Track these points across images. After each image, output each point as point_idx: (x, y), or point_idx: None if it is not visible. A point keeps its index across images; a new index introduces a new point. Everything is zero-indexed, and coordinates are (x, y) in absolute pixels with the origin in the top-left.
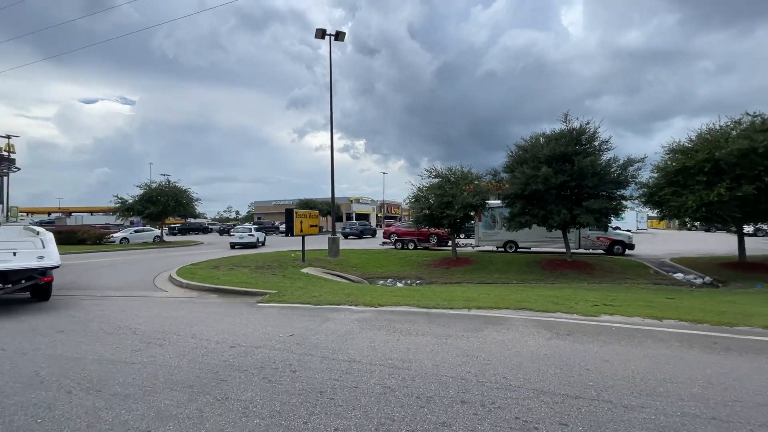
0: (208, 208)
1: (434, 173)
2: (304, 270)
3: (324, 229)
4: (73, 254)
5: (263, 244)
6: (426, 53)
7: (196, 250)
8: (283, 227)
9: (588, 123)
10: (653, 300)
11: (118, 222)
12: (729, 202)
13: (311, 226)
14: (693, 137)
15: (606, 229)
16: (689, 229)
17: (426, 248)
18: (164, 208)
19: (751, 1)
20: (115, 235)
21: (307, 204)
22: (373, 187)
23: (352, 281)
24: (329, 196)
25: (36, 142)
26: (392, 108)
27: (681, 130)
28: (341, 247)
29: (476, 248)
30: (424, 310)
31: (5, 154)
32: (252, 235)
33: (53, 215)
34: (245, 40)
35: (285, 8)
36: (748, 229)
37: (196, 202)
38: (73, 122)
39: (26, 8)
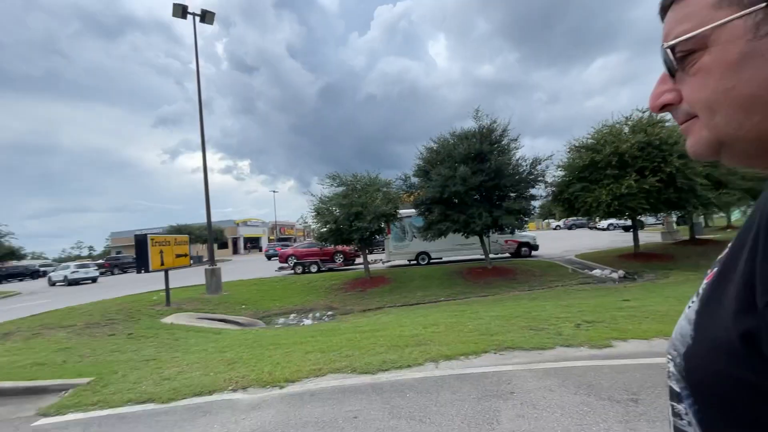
0: (50, 246)
1: (338, 180)
2: (167, 320)
3: (204, 259)
4: None
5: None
6: (308, 73)
7: (3, 306)
8: None
9: (495, 121)
10: (622, 307)
11: None
12: (637, 194)
13: (179, 255)
14: (590, 135)
15: (514, 232)
16: (554, 229)
17: (331, 269)
18: None
19: (567, 46)
20: None
21: (179, 230)
22: (263, 209)
23: (242, 326)
24: (180, 234)
25: None
26: (277, 127)
27: (528, 148)
28: (224, 279)
29: (387, 264)
30: (369, 379)
31: None
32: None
33: None
34: (95, 48)
35: (145, 17)
36: (604, 224)
37: (4, 239)
38: None
39: None
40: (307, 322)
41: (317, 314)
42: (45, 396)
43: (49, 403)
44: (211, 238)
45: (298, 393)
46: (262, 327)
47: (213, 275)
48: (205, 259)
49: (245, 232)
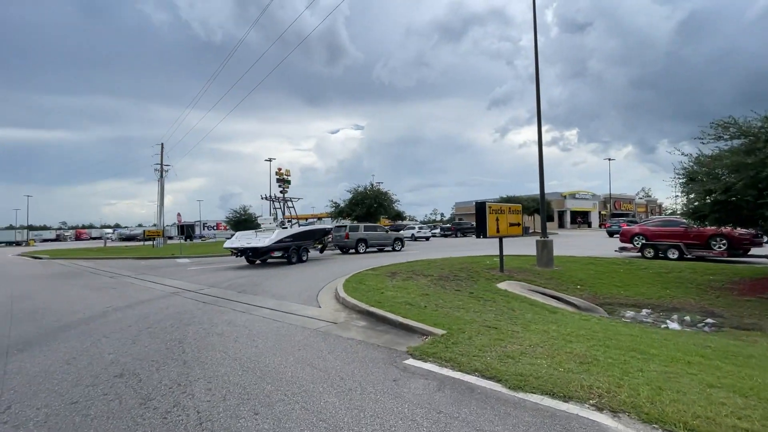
0: (417, 212)
1: (733, 130)
2: (501, 285)
3: (530, 230)
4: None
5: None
6: (659, 7)
7: (398, 253)
8: (392, 233)
9: None
10: None
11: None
12: None
13: (512, 224)
14: None
15: None
16: None
17: (703, 258)
18: (368, 209)
19: None
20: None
21: (509, 200)
22: (591, 181)
23: (578, 309)
24: (536, 192)
25: (304, 167)
26: (612, 86)
27: None
28: (555, 253)
29: None
30: None
31: (285, 177)
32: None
33: (309, 221)
34: (447, 52)
35: (483, 9)
36: None
37: (395, 204)
38: (324, 150)
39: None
40: (673, 326)
41: (687, 318)
42: (412, 336)
43: (415, 345)
44: (544, 210)
45: None
46: (604, 316)
47: (544, 248)
48: (531, 231)
49: (572, 205)
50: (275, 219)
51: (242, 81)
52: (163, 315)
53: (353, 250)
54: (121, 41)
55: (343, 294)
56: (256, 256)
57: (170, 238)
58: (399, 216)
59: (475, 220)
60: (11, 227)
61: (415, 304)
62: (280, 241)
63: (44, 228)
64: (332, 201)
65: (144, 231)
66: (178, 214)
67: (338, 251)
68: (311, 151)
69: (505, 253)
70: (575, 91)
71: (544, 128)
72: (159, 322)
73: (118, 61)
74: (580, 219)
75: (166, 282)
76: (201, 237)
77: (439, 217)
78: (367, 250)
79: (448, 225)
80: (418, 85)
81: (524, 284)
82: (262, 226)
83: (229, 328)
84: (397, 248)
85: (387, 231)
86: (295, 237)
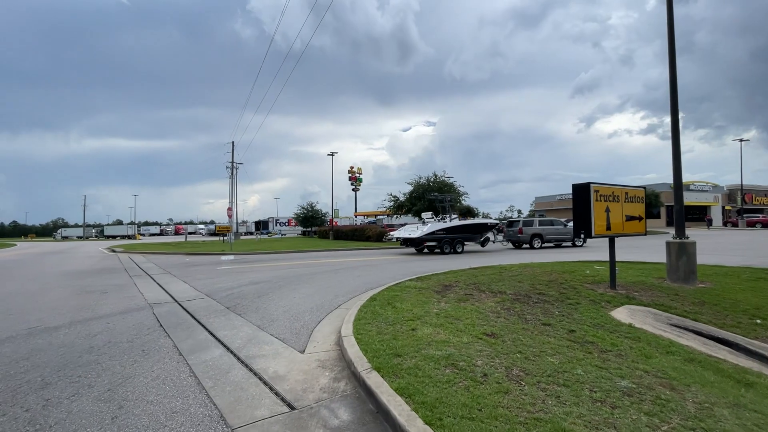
0: (491, 209)
1: None
2: (620, 315)
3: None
4: (332, 251)
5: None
6: None
7: (458, 256)
8: (570, 225)
9: None
10: None
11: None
12: None
13: (630, 218)
14: None
15: None
16: None
17: None
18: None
19: None
20: (392, 233)
21: None
22: (697, 173)
23: None
24: (634, 185)
25: (377, 165)
26: (727, 61)
27: None
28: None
29: None
30: None
31: (357, 175)
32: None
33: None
34: (523, 40)
35: None
36: None
37: (463, 198)
38: (396, 148)
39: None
40: None
41: None
42: None
43: None
44: (680, 198)
45: None
46: None
47: (682, 252)
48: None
49: (686, 198)
50: (434, 215)
51: (319, 86)
52: (55, 356)
53: (527, 245)
54: (217, 57)
55: (345, 330)
56: (413, 245)
57: (250, 233)
58: (470, 212)
59: (573, 211)
60: (120, 222)
61: (464, 368)
62: (432, 233)
63: (154, 224)
64: (390, 195)
65: (216, 227)
66: (228, 208)
67: (510, 246)
68: (383, 149)
69: (602, 257)
70: (678, 70)
71: (638, 115)
72: (26, 372)
73: (215, 76)
74: (710, 218)
75: (171, 286)
76: (268, 233)
77: (515, 214)
78: (543, 245)
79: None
80: (493, 76)
81: (656, 312)
82: (426, 220)
83: (93, 407)
84: (577, 244)
85: (565, 225)
86: (448, 230)
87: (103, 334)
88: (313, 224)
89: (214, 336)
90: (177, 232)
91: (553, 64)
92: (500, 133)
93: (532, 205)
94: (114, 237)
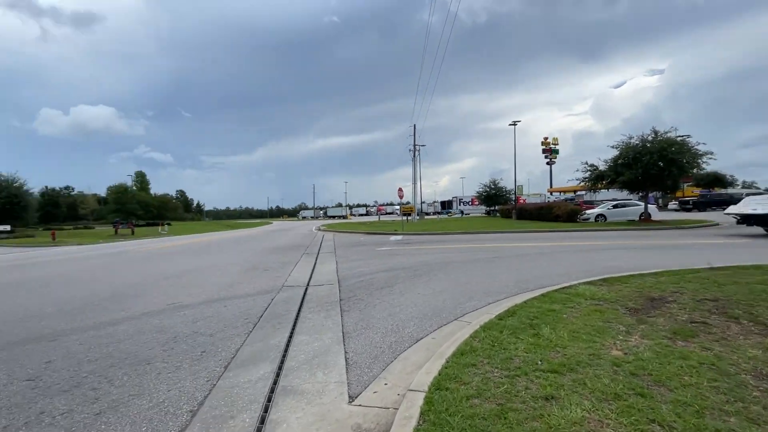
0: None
1: None
2: None
3: None
4: (506, 233)
5: None
6: None
7: (690, 239)
8: None
9: None
10: None
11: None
12: None
13: None
14: None
15: None
16: None
17: None
18: (646, 171)
19: None
20: (588, 211)
21: None
22: None
23: None
24: None
25: (578, 133)
26: None
27: None
28: None
29: None
30: None
31: (552, 146)
32: None
33: (578, 193)
34: None
35: None
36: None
37: (703, 159)
38: (603, 110)
39: (563, 25)
40: None
41: None
42: None
43: None
44: None
45: None
46: None
47: None
48: None
49: None
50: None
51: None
52: (121, 346)
53: None
54: (409, 49)
55: (425, 373)
56: (759, 224)
57: (438, 213)
58: (719, 180)
59: None
60: (340, 205)
61: None
62: None
63: (363, 206)
64: (586, 163)
65: (400, 207)
66: (399, 189)
67: None
68: (586, 114)
69: None
70: None
71: None
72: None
73: (408, 67)
74: None
75: (319, 266)
76: (448, 212)
77: None
78: None
79: None
80: None
81: None
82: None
83: None
84: None
85: None
86: None
87: (201, 321)
88: (497, 202)
89: (288, 341)
90: (379, 212)
91: None
92: None
93: None
94: (333, 217)
